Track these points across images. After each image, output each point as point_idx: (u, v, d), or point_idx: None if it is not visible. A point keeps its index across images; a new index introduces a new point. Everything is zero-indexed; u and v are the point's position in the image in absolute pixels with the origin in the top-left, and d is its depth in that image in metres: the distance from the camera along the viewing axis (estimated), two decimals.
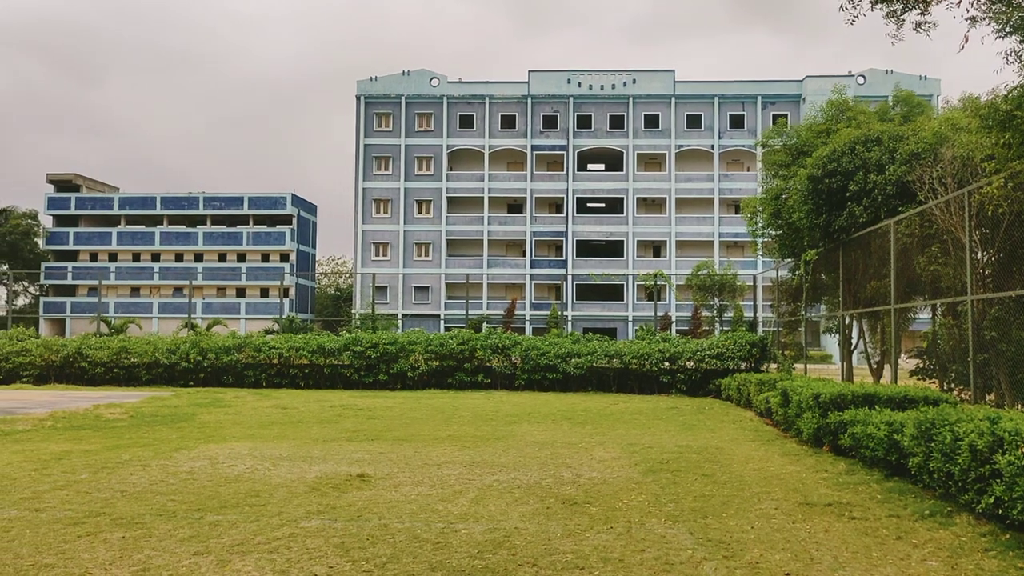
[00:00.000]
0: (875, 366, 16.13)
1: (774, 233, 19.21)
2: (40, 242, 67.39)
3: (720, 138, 61.67)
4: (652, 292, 48.37)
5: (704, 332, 42.53)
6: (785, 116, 54.29)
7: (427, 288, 61.59)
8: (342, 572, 5.02)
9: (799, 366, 18.59)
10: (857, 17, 9.27)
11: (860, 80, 58.57)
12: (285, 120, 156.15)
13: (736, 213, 59.68)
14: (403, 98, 62.82)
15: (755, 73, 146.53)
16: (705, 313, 46.99)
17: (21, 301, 68.35)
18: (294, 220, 65.71)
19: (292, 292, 63.32)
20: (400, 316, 56.02)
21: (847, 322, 16.44)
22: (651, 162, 63.28)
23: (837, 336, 18.23)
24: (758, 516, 6.68)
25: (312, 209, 70.52)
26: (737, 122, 61.91)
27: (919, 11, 9.27)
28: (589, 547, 5.64)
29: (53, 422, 13.20)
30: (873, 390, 10.29)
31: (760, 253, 25.55)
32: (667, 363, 21.54)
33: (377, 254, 62.27)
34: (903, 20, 9.33)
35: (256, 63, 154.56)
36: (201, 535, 5.86)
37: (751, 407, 16.22)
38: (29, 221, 68.21)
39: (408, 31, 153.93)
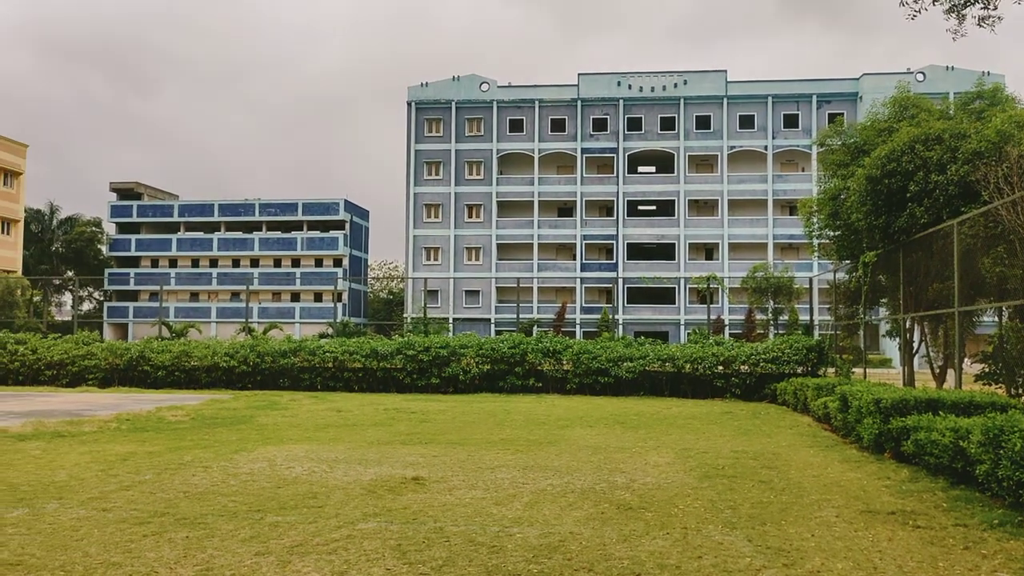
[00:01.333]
0: (938, 370, 15.68)
1: (831, 234, 18.82)
2: (104, 249, 69.56)
3: (774, 138, 60.73)
4: (705, 295, 47.78)
5: (758, 335, 41.88)
6: (841, 115, 53.18)
7: (478, 292, 61.86)
8: (399, 574, 5.07)
9: (858, 370, 18.17)
10: (918, 12, 9.03)
11: (919, 77, 57.09)
12: (336, 126, 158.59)
13: (791, 214, 58.70)
14: (453, 103, 63.26)
15: (805, 71, 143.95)
16: (759, 316, 46.29)
17: (86, 306, 70.57)
18: (347, 225, 66.65)
19: (345, 296, 64.22)
20: (451, 320, 56.37)
21: (908, 325, 16.02)
22: (703, 164, 62.61)
23: (897, 340, 17.78)
24: (818, 524, 6.55)
25: (364, 214, 71.43)
26: (791, 122, 60.88)
27: (982, 5, 9.00)
28: (645, 553, 5.59)
29: (118, 424, 13.59)
30: (937, 395, 10.01)
31: (816, 255, 25.03)
32: (721, 367, 21.25)
33: (428, 258, 62.79)
34: (965, 15, 9.06)
35: (307, 71, 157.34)
36: (262, 535, 5.97)
37: (808, 412, 15.91)
38: (93, 229, 70.44)
39: (456, 37, 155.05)
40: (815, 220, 19.53)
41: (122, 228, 69.28)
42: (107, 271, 66.98)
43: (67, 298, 67.55)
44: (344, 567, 5.20)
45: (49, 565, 5.17)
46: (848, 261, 18.42)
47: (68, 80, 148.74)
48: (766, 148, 60.79)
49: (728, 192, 60.94)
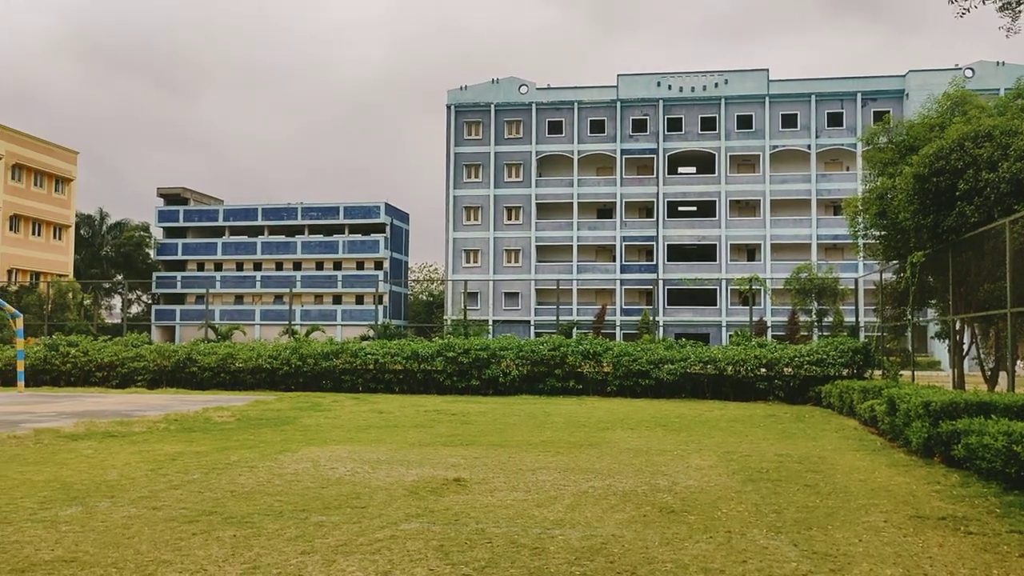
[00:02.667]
0: (989, 373, 15.29)
1: (877, 234, 18.48)
2: (151, 253, 71.11)
3: (817, 137, 59.83)
4: (747, 296, 47.22)
5: (802, 337, 41.28)
6: (887, 112, 52.18)
7: (517, 294, 61.94)
8: (442, 574, 5.10)
9: (905, 373, 17.81)
10: (968, 11, 8.84)
11: (968, 73, 55.74)
12: (375, 130, 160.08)
13: (835, 214, 57.82)
14: (492, 106, 63.46)
15: (846, 68, 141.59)
16: (803, 318, 45.60)
17: (135, 309, 72.21)
18: (387, 228, 67.22)
19: (386, 299, 64.77)
20: (491, 322, 56.54)
21: (957, 327, 15.65)
22: (744, 164, 61.94)
23: (947, 342, 17.39)
24: (866, 529, 6.43)
25: (404, 217, 71.98)
26: (835, 120, 59.92)
27: None
28: (688, 557, 5.55)
29: (166, 424, 13.88)
30: (988, 398, 9.77)
31: (862, 255, 24.58)
32: (764, 369, 20.98)
33: (468, 261, 63.05)
34: (1019, 12, 8.84)
35: (345, 76, 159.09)
36: (307, 535, 6.05)
37: (854, 415, 15.63)
38: (141, 233, 72.06)
39: (491, 38, 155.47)
40: (860, 220, 19.19)
41: (169, 232, 70.76)
42: (155, 275, 68.45)
43: (116, 301, 69.19)
44: (388, 567, 5.25)
45: (102, 562, 5.30)
46: (895, 261, 18.07)
47: (111, 87, 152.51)
48: (809, 147, 59.91)
49: (770, 192, 60.17)
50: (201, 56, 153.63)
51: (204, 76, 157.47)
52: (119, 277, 69.41)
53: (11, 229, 56.54)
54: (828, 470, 9.36)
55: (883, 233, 17.91)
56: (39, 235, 59.45)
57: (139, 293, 73.24)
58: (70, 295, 47.76)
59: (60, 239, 61.78)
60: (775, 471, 9.23)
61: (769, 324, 51.82)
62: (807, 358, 20.63)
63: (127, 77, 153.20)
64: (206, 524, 6.37)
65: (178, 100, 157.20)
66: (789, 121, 60.43)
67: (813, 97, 59.87)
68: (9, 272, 54.79)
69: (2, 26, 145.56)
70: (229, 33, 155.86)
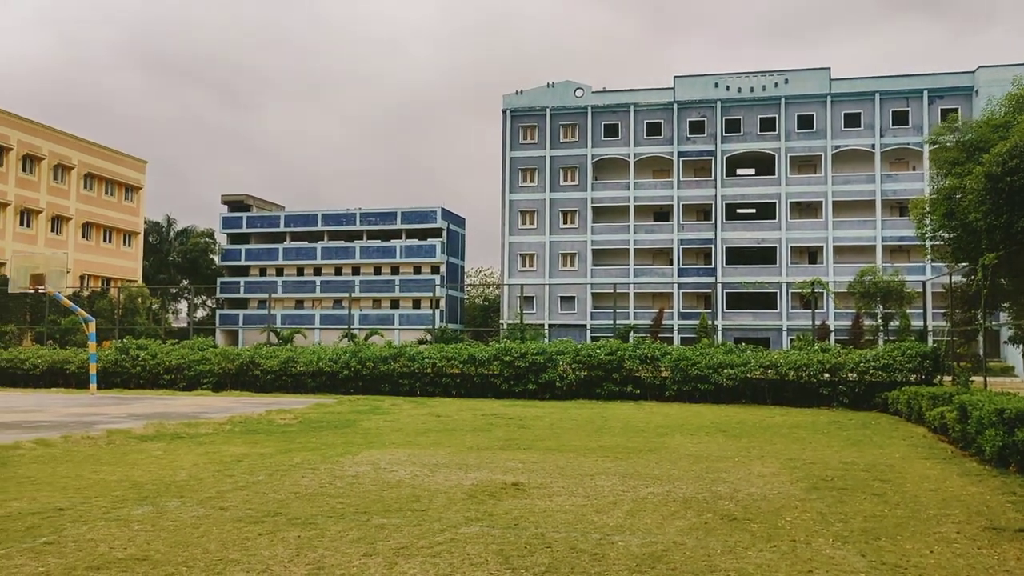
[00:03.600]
0: None
1: (946, 236, 17.93)
2: (216, 259, 72.95)
3: (882, 136, 58.31)
4: (809, 300, 46.23)
5: (867, 342, 40.22)
6: (956, 110, 50.59)
7: (573, 298, 61.77)
8: None
9: (977, 379, 17.19)
10: None
11: None
12: (430, 135, 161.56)
13: (901, 215, 56.25)
14: (547, 110, 63.48)
15: (911, 64, 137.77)
16: (868, 322, 44.44)
17: (200, 313, 74.16)
18: (444, 233, 67.74)
19: (443, 303, 65.24)
20: (547, 326, 56.46)
21: None
22: (805, 164, 60.70)
23: (1021, 347, 16.76)
24: (937, 540, 6.24)
25: (461, 222, 72.44)
26: (901, 119, 58.30)
27: None
28: (752, 565, 5.46)
29: (231, 426, 14.23)
30: None
31: (930, 257, 23.85)
32: (827, 375, 20.52)
33: (524, 265, 63.11)
34: None
35: (400, 81, 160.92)
36: (368, 537, 6.13)
37: (923, 422, 15.17)
38: (207, 239, 74.00)
39: (545, 43, 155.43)
40: (928, 221, 18.65)
41: (233, 239, 72.52)
42: (219, 280, 70.22)
43: (183, 306, 71.16)
44: (449, 570, 5.28)
45: (172, 560, 5.46)
46: (965, 263, 17.50)
47: (174, 98, 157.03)
48: (873, 147, 58.41)
49: (833, 193, 58.82)
50: (259, 65, 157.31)
51: (262, 85, 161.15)
52: (185, 282, 71.38)
53: (83, 236, 58.67)
54: (896, 479, 9.11)
55: (952, 235, 17.37)
56: (110, 242, 61.54)
57: (204, 298, 75.19)
58: (139, 300, 49.31)
59: (130, 246, 63.88)
60: (840, 479, 9.02)
61: (832, 328, 50.62)
62: (873, 363, 20.11)
63: (189, 87, 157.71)
64: (271, 525, 6.50)
65: (238, 109, 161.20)
66: (852, 120, 59.01)
67: (877, 95, 58.37)
68: (81, 278, 56.84)
69: (72, 40, 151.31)
70: (285, 43, 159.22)
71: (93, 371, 24.78)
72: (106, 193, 61.15)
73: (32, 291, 25.31)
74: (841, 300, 51.27)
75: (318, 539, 6.06)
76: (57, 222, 56.57)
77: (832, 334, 48.33)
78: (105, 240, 61.05)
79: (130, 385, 25.91)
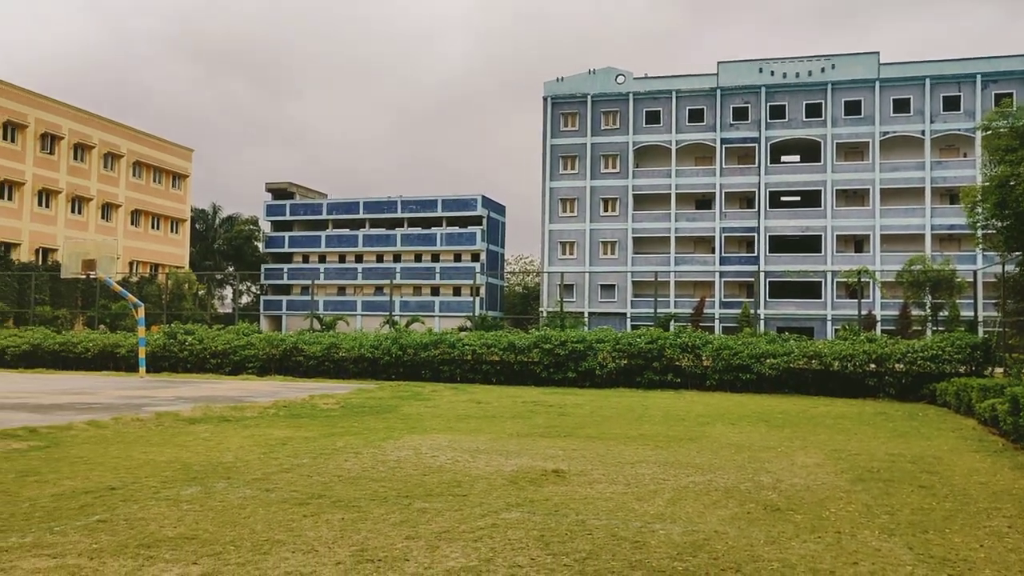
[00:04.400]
0: None
1: (998, 224, 17.44)
2: (260, 246, 74.06)
3: (932, 122, 56.86)
4: (855, 289, 45.39)
5: (914, 332, 39.41)
6: (1010, 95, 49.13)
7: (613, 286, 61.50)
8: (543, 564, 5.13)
9: None
10: None
11: None
12: (469, 122, 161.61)
13: (951, 203, 54.92)
14: (589, 97, 63.08)
15: (963, 48, 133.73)
16: (916, 312, 43.53)
17: (244, 300, 75.41)
18: (484, 221, 67.85)
19: (482, 291, 65.42)
20: (587, 314, 56.32)
21: None
22: (852, 151, 59.51)
23: None
24: (987, 534, 6.11)
25: (501, 210, 72.48)
26: (952, 104, 56.78)
27: None
28: (795, 556, 5.40)
29: (276, 410, 14.47)
30: None
31: (981, 246, 23.24)
32: (873, 365, 20.16)
33: (564, 253, 62.97)
34: None
35: (438, 69, 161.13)
36: (411, 520, 6.20)
37: (972, 415, 14.83)
38: (251, 227, 75.14)
39: (585, 28, 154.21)
40: (980, 209, 18.15)
41: (276, 226, 73.51)
42: (263, 267, 71.28)
43: (228, 292, 72.47)
44: (490, 554, 5.32)
45: (220, 540, 5.58)
46: (1018, 252, 17.03)
47: (216, 87, 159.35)
48: (923, 133, 57.02)
49: (880, 180, 57.60)
50: (298, 55, 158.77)
51: (301, 74, 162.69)
52: (230, 269, 72.63)
53: (132, 223, 59.97)
54: (945, 471, 8.93)
55: (1005, 223, 16.89)
56: (158, 229, 62.82)
57: (248, 284, 76.43)
58: (186, 286, 50.30)
59: (177, 233, 65.14)
60: (887, 471, 8.87)
61: (879, 318, 49.69)
62: (921, 354, 19.71)
63: (230, 76, 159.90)
64: (316, 507, 6.61)
65: (279, 97, 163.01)
66: (901, 106, 57.65)
67: (928, 80, 56.91)
68: (130, 264, 58.15)
69: (116, 31, 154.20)
70: (326, 32, 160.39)
71: (142, 355, 25.37)
72: (154, 181, 62.38)
73: (83, 276, 25.95)
74: (888, 289, 50.27)
75: (361, 521, 6.14)
76: (107, 209, 57.88)
77: (878, 324, 47.45)
78: (153, 227, 62.33)
79: (178, 369, 26.47)
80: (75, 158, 55.07)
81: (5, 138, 49.83)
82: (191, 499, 6.86)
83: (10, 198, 50.30)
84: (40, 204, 52.43)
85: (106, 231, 55.67)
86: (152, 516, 6.23)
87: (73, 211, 54.97)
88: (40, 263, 50.89)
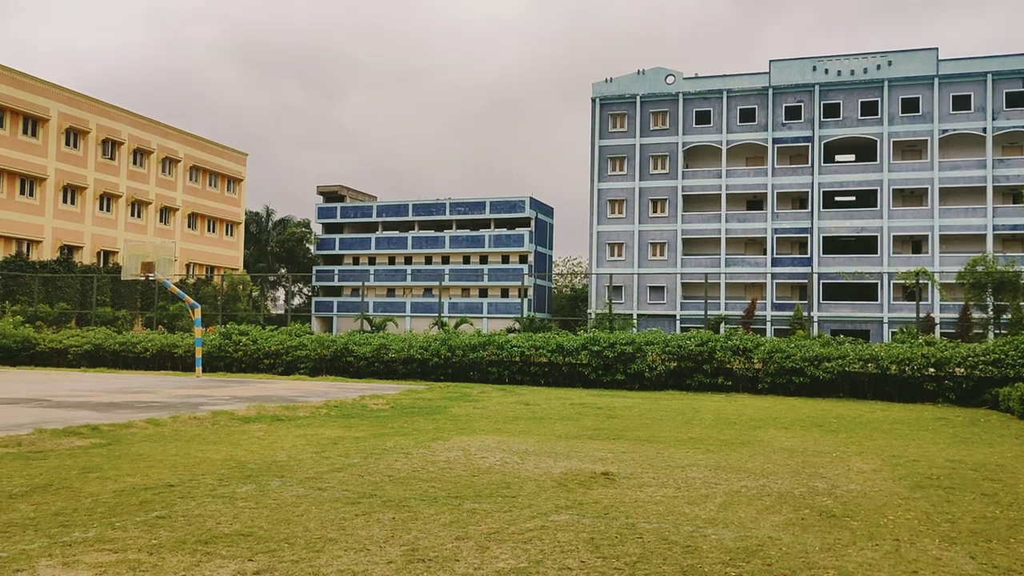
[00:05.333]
0: None
1: None
2: (312, 248, 75.23)
3: (994, 119, 55.14)
4: (912, 291, 44.25)
5: (976, 335, 38.27)
6: None
7: (662, 288, 60.96)
8: (593, 567, 5.10)
9: None
10: None
11: None
12: (517, 124, 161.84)
13: (1015, 203, 53.26)
14: (638, 97, 62.66)
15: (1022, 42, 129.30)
16: (977, 314, 42.27)
17: (296, 301, 76.66)
18: (532, 223, 67.87)
19: (530, 292, 65.44)
20: (635, 316, 55.93)
21: None
22: (909, 150, 58.03)
23: None
24: None
25: (549, 211, 72.43)
26: (1015, 100, 55.02)
27: None
28: (852, 564, 5.28)
29: (327, 410, 14.67)
30: None
31: None
32: (932, 369, 19.61)
33: (612, 254, 62.63)
34: None
35: (485, 70, 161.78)
36: (460, 521, 6.23)
37: None
38: (303, 229, 76.36)
39: (633, 29, 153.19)
40: None
41: (327, 228, 74.57)
42: (314, 268, 72.37)
43: (280, 293, 73.74)
44: (540, 556, 5.31)
45: (275, 537, 5.67)
46: None
47: (269, 91, 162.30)
48: (984, 130, 55.32)
49: (939, 179, 56.07)
50: (347, 58, 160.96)
51: (351, 77, 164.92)
52: (283, 271, 73.88)
53: (189, 226, 61.43)
54: (1009, 479, 8.65)
55: None
56: (213, 232, 64.25)
57: (300, 286, 77.66)
58: (241, 287, 51.36)
59: (232, 235, 66.53)
60: (947, 478, 8.62)
61: (937, 321, 48.38)
62: (983, 358, 19.11)
63: (281, 80, 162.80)
64: (367, 506, 6.68)
65: (328, 101, 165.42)
66: (961, 103, 56.02)
67: (989, 76, 55.21)
68: (187, 266, 59.58)
69: (172, 38, 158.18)
70: (373, 34, 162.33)
71: (198, 355, 25.95)
72: (210, 185, 63.81)
73: (143, 278, 26.65)
74: (947, 291, 48.92)
75: (412, 521, 6.19)
76: (165, 213, 59.40)
77: (937, 327, 46.18)
78: (209, 230, 63.76)
79: (232, 369, 27.01)
80: (134, 163, 56.63)
81: (68, 144, 51.50)
82: (246, 497, 6.99)
83: (72, 202, 51.95)
84: (101, 208, 54.04)
85: (164, 234, 57.13)
86: (209, 513, 6.36)
87: (133, 215, 56.54)
88: (101, 265, 52.47)
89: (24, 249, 48.34)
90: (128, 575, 4.78)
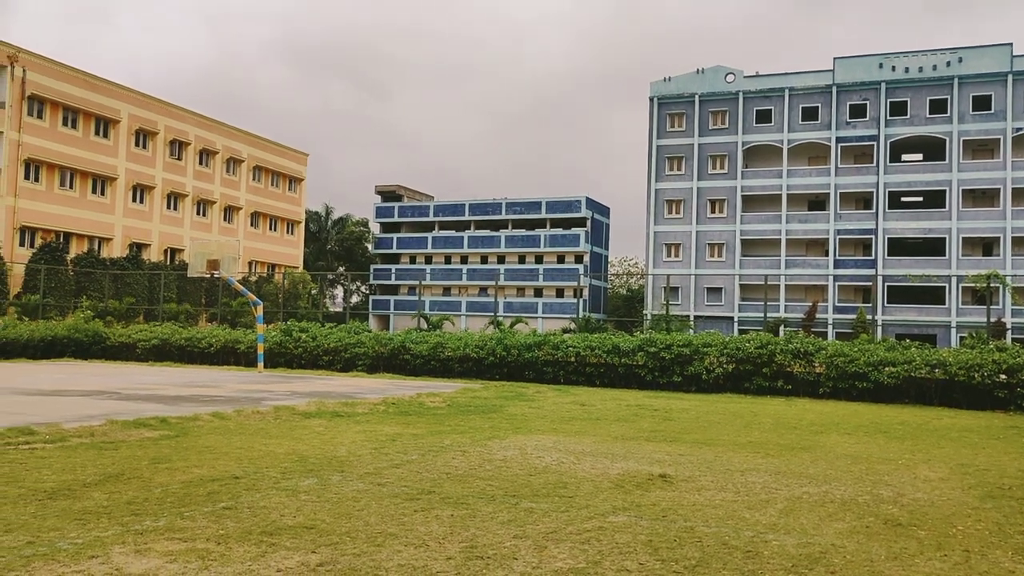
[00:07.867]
0: None
1: None
2: (369, 247, 76.31)
3: None
4: (983, 295, 42.81)
5: None
6: None
7: (720, 289, 60.16)
8: (652, 570, 5.08)
9: None
10: None
11: None
12: (571, 122, 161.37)
13: None
14: (696, 96, 61.95)
15: None
16: None
17: (354, 299, 77.80)
18: (588, 223, 67.65)
19: (586, 292, 65.23)
20: (692, 317, 55.31)
21: None
22: (980, 149, 56.15)
23: None
24: None
25: (605, 211, 72.10)
26: None
27: None
28: (920, 574, 5.14)
29: (385, 407, 14.86)
30: None
31: None
32: (1004, 376, 18.93)
33: (669, 255, 62.06)
34: None
35: (538, 70, 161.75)
36: (518, 520, 6.25)
37: None
38: (361, 228, 77.56)
39: (690, 26, 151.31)
40: None
41: (385, 228, 75.53)
42: (372, 267, 73.36)
43: (339, 291, 74.95)
44: (598, 557, 5.31)
45: (337, 530, 5.78)
46: None
47: (316, 90, 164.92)
48: None
49: (1013, 180, 54.11)
50: (399, 58, 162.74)
51: (403, 77, 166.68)
52: (342, 269, 75.10)
53: (251, 225, 62.87)
54: None
55: None
56: (275, 230, 65.64)
57: (358, 284, 78.84)
58: (301, 285, 52.37)
59: (292, 234, 67.87)
60: (1020, 488, 8.33)
61: (1009, 326, 46.69)
62: None
63: (333, 80, 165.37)
64: (426, 502, 6.76)
65: (381, 100, 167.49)
66: None
67: None
68: (249, 264, 60.98)
69: (232, 41, 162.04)
70: (423, 34, 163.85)
71: (260, 351, 26.54)
72: (272, 184, 65.22)
73: (208, 275, 27.38)
74: (1020, 295, 47.19)
75: (470, 519, 6.24)
76: (229, 212, 60.92)
77: (1009, 332, 44.58)
78: (271, 228, 65.18)
79: (292, 365, 27.55)
80: (200, 163, 58.21)
81: (137, 144, 53.19)
82: (308, 490, 7.14)
83: (141, 201, 53.64)
84: (168, 207, 55.68)
85: (228, 232, 58.61)
86: (273, 505, 6.52)
87: (198, 213, 58.12)
88: (168, 263, 54.07)
89: (95, 246, 50.11)
90: (197, 564, 4.93)
